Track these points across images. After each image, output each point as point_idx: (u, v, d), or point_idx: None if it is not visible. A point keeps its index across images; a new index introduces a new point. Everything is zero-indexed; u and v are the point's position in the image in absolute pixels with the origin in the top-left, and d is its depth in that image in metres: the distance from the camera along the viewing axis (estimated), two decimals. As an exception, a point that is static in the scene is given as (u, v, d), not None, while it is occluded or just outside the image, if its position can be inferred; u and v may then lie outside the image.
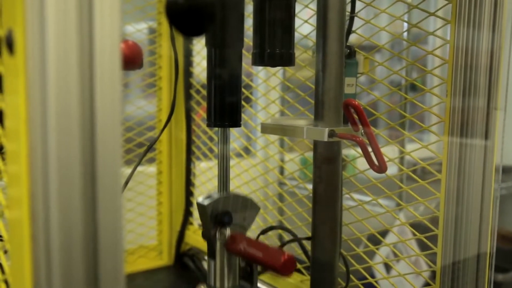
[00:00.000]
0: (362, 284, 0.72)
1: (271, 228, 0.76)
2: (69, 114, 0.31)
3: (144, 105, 1.00)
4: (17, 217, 0.33)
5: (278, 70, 0.84)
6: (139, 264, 0.99)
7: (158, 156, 1.00)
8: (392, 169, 0.65)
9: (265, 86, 0.97)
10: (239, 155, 0.98)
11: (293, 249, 0.74)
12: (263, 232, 0.76)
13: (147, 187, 1.00)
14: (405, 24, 1.35)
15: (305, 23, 0.78)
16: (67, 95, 0.31)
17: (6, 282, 0.40)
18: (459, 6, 0.57)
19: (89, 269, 0.33)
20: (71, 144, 0.32)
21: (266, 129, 0.68)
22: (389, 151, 0.69)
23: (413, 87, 2.02)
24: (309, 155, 0.71)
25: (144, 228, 1.01)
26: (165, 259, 1.02)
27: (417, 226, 0.70)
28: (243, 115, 0.67)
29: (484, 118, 0.59)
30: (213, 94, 0.63)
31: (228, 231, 0.62)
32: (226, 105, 0.63)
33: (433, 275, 0.62)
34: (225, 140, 0.65)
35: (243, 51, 0.65)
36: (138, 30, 0.98)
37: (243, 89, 0.68)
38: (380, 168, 0.58)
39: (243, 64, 0.65)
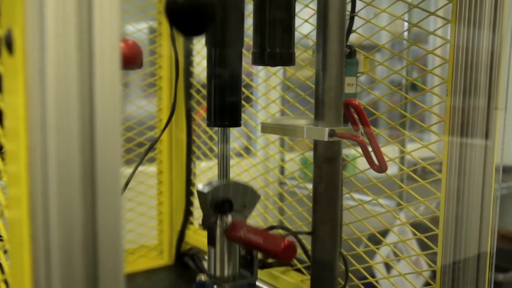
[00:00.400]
0: (363, 284, 0.72)
1: (271, 228, 0.76)
2: (69, 113, 0.31)
3: (144, 104, 1.00)
4: (16, 217, 0.33)
5: (278, 69, 0.84)
6: (139, 263, 0.99)
7: (159, 155, 1.00)
8: (392, 169, 0.65)
9: (265, 85, 0.97)
10: (239, 154, 0.97)
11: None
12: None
13: (147, 186, 1.00)
14: (406, 24, 1.35)
15: (305, 23, 0.78)
16: (66, 94, 0.31)
17: (5, 282, 0.40)
18: (459, 6, 0.57)
19: (89, 268, 0.33)
20: (70, 143, 0.32)
21: (266, 128, 0.68)
22: (390, 151, 0.69)
23: (413, 87, 2.02)
24: (310, 154, 0.71)
25: (144, 228, 1.01)
26: (165, 258, 1.02)
27: (417, 226, 0.70)
28: (243, 115, 0.66)
29: (485, 118, 0.59)
30: (213, 94, 0.63)
31: (228, 218, 0.61)
32: (226, 104, 0.63)
33: (433, 274, 0.62)
34: (225, 139, 0.65)
35: (243, 51, 0.65)
36: (138, 30, 0.98)
37: (243, 89, 0.68)
38: (381, 167, 0.58)
39: (243, 63, 0.65)
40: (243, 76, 0.67)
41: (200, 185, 0.63)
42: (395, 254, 0.72)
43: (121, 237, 0.34)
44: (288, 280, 0.80)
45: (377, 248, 0.74)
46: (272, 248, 0.56)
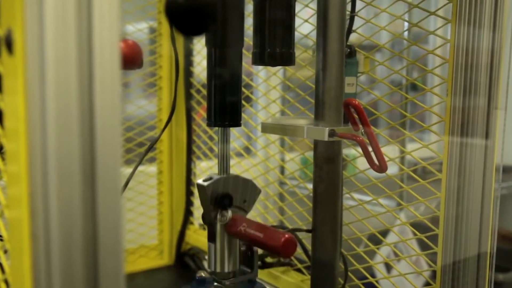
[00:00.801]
0: (363, 284, 0.72)
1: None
2: (69, 113, 0.31)
3: (144, 104, 1.00)
4: (17, 217, 0.33)
5: (279, 69, 0.84)
6: (139, 263, 0.99)
7: (159, 155, 1.00)
8: (392, 169, 0.65)
9: (265, 85, 0.97)
10: (239, 154, 0.97)
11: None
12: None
13: (147, 186, 1.00)
14: (406, 24, 1.35)
15: (305, 23, 0.78)
16: (66, 94, 0.31)
17: (6, 281, 0.40)
18: (459, 5, 0.57)
19: (89, 268, 0.33)
20: (70, 143, 0.32)
21: (267, 128, 0.68)
22: (390, 151, 0.69)
23: (413, 87, 2.02)
24: (310, 154, 0.71)
25: (144, 228, 1.01)
26: (165, 258, 1.02)
27: (417, 226, 0.70)
28: (243, 115, 0.67)
29: (485, 118, 0.59)
30: (213, 94, 0.63)
31: (228, 213, 0.61)
32: (226, 104, 0.63)
33: (433, 274, 0.62)
34: (225, 139, 0.65)
35: (243, 51, 0.65)
36: (138, 30, 0.98)
37: (243, 89, 0.68)
38: (381, 167, 0.58)
39: (244, 63, 0.65)
40: (243, 76, 0.67)
41: (200, 179, 0.63)
42: (395, 254, 0.72)
43: (122, 237, 0.34)
44: (288, 280, 0.80)
45: (377, 248, 0.74)
46: (272, 243, 0.55)
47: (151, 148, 0.75)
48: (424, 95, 0.72)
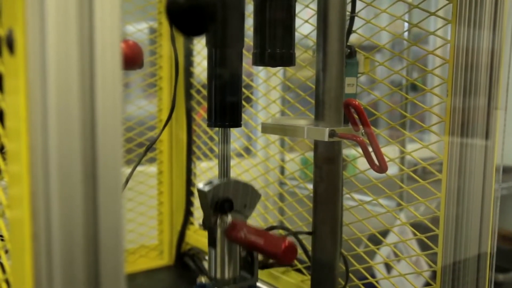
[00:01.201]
0: (363, 284, 0.72)
1: (271, 228, 0.76)
2: (70, 113, 0.31)
3: (144, 105, 1.00)
4: (18, 217, 0.33)
5: (279, 70, 0.84)
6: (140, 263, 0.99)
7: (159, 156, 1.00)
8: (392, 169, 0.65)
9: (265, 86, 0.97)
10: (239, 155, 0.98)
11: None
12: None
13: (147, 187, 1.00)
14: (406, 24, 1.35)
15: (305, 23, 0.78)
16: (67, 94, 0.31)
17: (7, 281, 0.40)
18: (459, 6, 0.57)
19: (89, 268, 0.33)
20: (71, 143, 0.32)
21: (267, 129, 0.68)
22: (390, 151, 0.69)
23: (413, 87, 2.02)
24: (310, 155, 0.71)
25: (144, 228, 1.01)
26: (165, 259, 1.02)
27: (417, 226, 0.70)
28: (243, 115, 0.67)
29: (485, 118, 0.59)
30: (213, 94, 0.63)
31: (229, 218, 0.61)
32: (226, 105, 0.63)
33: (433, 275, 0.62)
34: (225, 140, 0.65)
35: (244, 51, 0.65)
36: (138, 30, 0.98)
37: (243, 89, 0.68)
38: (381, 168, 0.58)
39: (244, 64, 0.65)
40: (244, 77, 0.67)
41: (200, 183, 0.63)
42: (395, 254, 0.72)
43: (122, 237, 0.34)
44: (288, 280, 0.80)
45: (377, 248, 0.74)
46: (273, 249, 0.55)
47: (150, 148, 0.75)
48: (424, 96, 0.72)
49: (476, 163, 0.59)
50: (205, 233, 0.64)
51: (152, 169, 1.01)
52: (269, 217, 0.91)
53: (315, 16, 0.63)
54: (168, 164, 1.01)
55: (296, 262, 0.81)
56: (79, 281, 0.32)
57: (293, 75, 0.84)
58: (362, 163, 0.66)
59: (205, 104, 0.85)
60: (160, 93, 0.99)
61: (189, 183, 1.01)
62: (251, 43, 0.66)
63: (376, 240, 0.76)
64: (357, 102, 0.59)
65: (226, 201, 0.61)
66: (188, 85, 0.99)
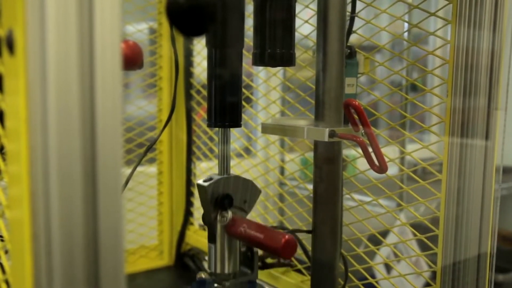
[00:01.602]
0: (363, 285, 0.72)
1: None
2: (70, 114, 0.31)
3: (144, 105, 1.00)
4: (17, 217, 0.33)
5: (279, 70, 0.84)
6: (140, 264, 0.99)
7: (159, 156, 1.00)
8: (392, 169, 0.65)
9: (265, 86, 0.97)
10: (239, 155, 0.98)
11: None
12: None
13: (147, 187, 1.00)
14: (406, 24, 1.35)
15: (305, 23, 0.78)
16: (67, 95, 0.31)
17: (7, 282, 0.40)
18: (459, 6, 0.57)
19: (89, 269, 0.33)
20: (71, 144, 0.32)
21: (267, 129, 0.68)
22: (390, 151, 0.69)
23: (413, 87, 2.02)
24: (310, 155, 0.71)
25: (144, 228, 1.01)
26: (165, 259, 1.02)
27: (417, 227, 0.70)
28: (243, 115, 0.67)
29: (485, 118, 0.59)
30: (213, 94, 0.63)
31: (229, 214, 0.61)
32: (226, 105, 0.63)
33: (433, 275, 0.62)
34: (225, 140, 0.65)
35: (244, 51, 0.65)
36: (138, 30, 0.98)
37: (243, 89, 0.68)
38: (381, 168, 0.58)
39: (244, 64, 0.65)
40: (243, 77, 0.67)
41: (200, 179, 0.63)
42: (395, 255, 0.72)
43: (122, 237, 0.34)
44: (288, 281, 0.80)
45: (377, 249, 0.74)
46: (273, 244, 0.55)
47: (150, 148, 0.75)
48: (424, 96, 0.72)
49: (476, 163, 0.59)
50: (205, 234, 0.64)
51: (152, 169, 1.01)
52: (269, 217, 0.91)
53: (315, 17, 0.63)
54: (168, 164, 1.01)
55: (296, 262, 0.81)
56: (79, 282, 0.32)
57: (293, 76, 0.84)
58: (362, 164, 0.66)
59: (205, 104, 0.85)
60: (160, 94, 0.99)
61: (189, 183, 1.01)
62: (251, 43, 0.66)
63: (376, 241, 0.76)
64: (357, 103, 0.59)
65: (226, 196, 0.61)
66: (188, 86, 0.99)
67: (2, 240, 0.42)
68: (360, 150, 0.60)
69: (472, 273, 0.61)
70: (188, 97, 0.99)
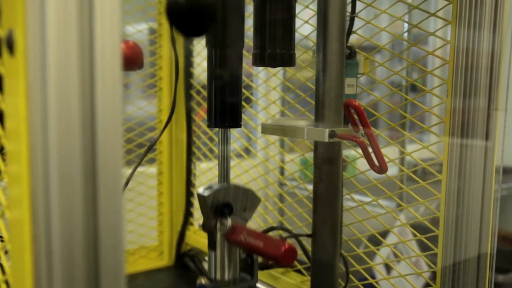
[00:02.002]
0: (363, 285, 0.72)
1: (271, 228, 0.76)
2: (70, 114, 0.31)
3: (144, 105, 1.00)
4: (17, 217, 0.33)
5: (279, 70, 0.84)
6: (139, 264, 0.99)
7: (159, 156, 1.00)
8: (392, 170, 0.65)
9: (265, 86, 0.97)
10: (239, 155, 0.98)
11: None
12: (264, 232, 0.76)
13: (147, 187, 1.00)
14: (406, 25, 1.35)
15: (305, 24, 0.78)
16: (67, 95, 0.31)
17: (6, 282, 0.40)
18: (459, 7, 0.57)
19: (89, 269, 0.33)
20: (71, 144, 0.32)
21: (267, 129, 0.68)
22: (390, 152, 0.69)
23: (413, 88, 2.02)
24: (310, 155, 0.71)
25: (144, 229, 1.01)
26: (165, 259, 1.02)
27: (417, 227, 0.70)
28: (243, 116, 0.67)
29: (485, 119, 0.59)
30: (213, 95, 0.63)
31: (229, 222, 0.61)
32: (226, 105, 0.63)
33: (433, 275, 0.62)
34: (225, 140, 0.65)
35: (244, 52, 0.65)
36: (138, 31, 0.98)
37: (243, 90, 0.68)
38: (381, 168, 0.58)
39: (244, 64, 0.65)
40: (243, 77, 0.67)
41: (200, 188, 0.63)
42: (395, 255, 0.72)
43: (122, 238, 0.34)
44: (288, 281, 0.80)
45: (377, 249, 0.74)
46: (272, 252, 0.55)
47: (150, 148, 0.75)
48: (424, 96, 0.72)
49: (476, 164, 0.59)
50: (205, 234, 0.64)
51: (152, 169, 1.01)
52: (269, 217, 0.91)
53: (315, 17, 0.63)
54: (168, 165, 1.01)
55: (296, 262, 0.81)
56: (79, 282, 0.32)
57: (293, 76, 0.84)
58: (362, 164, 0.66)
59: (205, 105, 0.85)
60: (160, 94, 0.99)
61: (189, 184, 1.01)
62: (251, 44, 0.66)
63: (376, 241, 0.76)
64: (357, 103, 0.59)
65: (226, 205, 0.62)
66: (188, 86, 0.99)
67: (2, 241, 0.42)
68: (360, 151, 0.60)
69: (472, 274, 0.61)
70: (188, 97, 0.99)
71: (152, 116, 1.00)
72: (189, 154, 1.00)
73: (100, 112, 0.32)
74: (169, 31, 0.91)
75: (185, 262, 1.00)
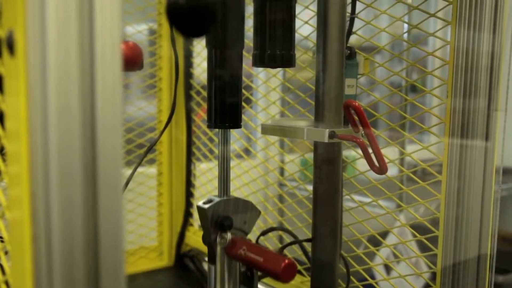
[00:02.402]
0: (363, 285, 0.72)
1: (271, 229, 0.76)
2: (70, 115, 0.31)
3: (144, 106, 1.00)
4: (18, 218, 0.33)
5: (279, 71, 0.84)
6: (139, 265, 0.99)
7: (159, 157, 1.00)
8: (392, 170, 0.65)
9: (265, 87, 0.97)
10: (239, 156, 0.98)
11: (293, 250, 0.74)
12: (263, 233, 0.76)
13: (147, 188, 1.00)
14: (406, 25, 1.35)
15: (305, 24, 0.78)
16: (67, 96, 0.31)
17: (6, 283, 0.40)
18: (459, 7, 0.58)
19: (90, 269, 0.33)
20: (71, 145, 0.32)
21: (267, 130, 0.68)
22: (390, 152, 0.69)
23: (413, 88, 2.02)
24: (309, 156, 0.71)
25: (144, 229, 1.01)
26: (165, 260, 1.02)
27: (417, 227, 0.70)
28: (243, 116, 0.67)
29: (485, 119, 0.59)
30: (213, 95, 0.63)
31: (228, 236, 0.62)
32: (226, 106, 0.63)
33: (433, 276, 0.62)
34: (225, 141, 0.65)
35: (244, 52, 0.65)
36: (138, 31, 0.98)
37: (243, 90, 0.68)
38: (381, 169, 0.58)
39: (244, 65, 0.65)
40: (243, 78, 0.67)
41: (200, 201, 0.63)
42: (395, 256, 0.72)
43: (122, 238, 0.34)
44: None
45: (377, 250, 0.74)
46: (272, 268, 0.55)
47: (150, 149, 0.75)
48: (424, 97, 0.72)
49: (476, 164, 0.59)
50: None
51: (152, 170, 1.01)
52: (269, 218, 0.91)
53: (315, 17, 0.63)
54: (168, 165, 1.01)
55: (296, 263, 0.81)
56: (79, 282, 0.32)
57: (293, 76, 0.84)
58: (361, 164, 0.66)
59: (204, 105, 0.85)
60: (160, 94, 0.99)
61: (189, 184, 1.01)
62: (251, 44, 0.66)
63: (375, 241, 0.76)
64: (357, 103, 0.59)
65: (226, 218, 0.62)
66: (188, 86, 0.99)
67: (2, 241, 0.42)
68: (360, 151, 0.60)
69: (472, 274, 0.61)
70: (188, 98, 0.99)
71: (152, 116, 1.00)
72: (189, 154, 1.00)
73: (100, 112, 0.32)
74: (169, 32, 0.91)
75: (184, 263, 1.00)
